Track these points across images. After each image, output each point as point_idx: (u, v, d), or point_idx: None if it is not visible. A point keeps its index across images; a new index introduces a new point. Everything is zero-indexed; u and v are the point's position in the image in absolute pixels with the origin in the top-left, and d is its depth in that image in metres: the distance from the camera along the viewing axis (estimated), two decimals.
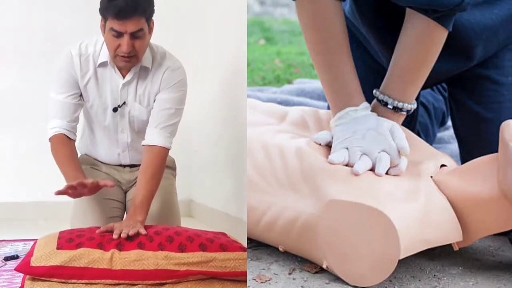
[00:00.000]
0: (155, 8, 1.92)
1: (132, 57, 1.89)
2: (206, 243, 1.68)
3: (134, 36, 1.86)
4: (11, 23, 2.84)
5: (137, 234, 1.71)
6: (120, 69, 1.96)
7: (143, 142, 1.96)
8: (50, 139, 1.96)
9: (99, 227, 1.80)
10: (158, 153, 1.94)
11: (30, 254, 1.66)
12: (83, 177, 1.85)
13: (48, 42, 2.78)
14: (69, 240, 1.68)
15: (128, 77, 1.96)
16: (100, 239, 1.68)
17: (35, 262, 1.61)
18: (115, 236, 1.69)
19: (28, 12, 2.84)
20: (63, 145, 1.95)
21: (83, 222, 1.93)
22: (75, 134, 1.98)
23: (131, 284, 1.62)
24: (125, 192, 2.10)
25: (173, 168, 2.15)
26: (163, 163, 1.95)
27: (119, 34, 1.85)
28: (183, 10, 2.85)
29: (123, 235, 1.69)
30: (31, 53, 2.84)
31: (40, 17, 2.84)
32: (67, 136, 1.95)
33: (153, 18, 1.93)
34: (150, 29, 1.92)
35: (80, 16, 2.75)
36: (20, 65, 2.85)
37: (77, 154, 1.97)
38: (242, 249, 1.68)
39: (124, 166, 2.10)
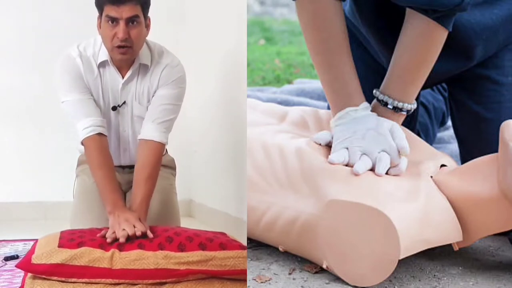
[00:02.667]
0: (155, 7, 1.93)
1: (128, 48, 1.89)
2: (206, 242, 1.68)
3: (129, 22, 1.87)
4: (10, 23, 2.84)
5: (140, 235, 1.72)
6: (118, 67, 1.96)
7: (139, 136, 1.96)
8: (84, 141, 1.92)
9: (99, 228, 1.80)
10: (154, 149, 1.93)
11: (31, 251, 1.66)
12: (122, 201, 1.86)
13: (47, 42, 2.78)
14: (70, 239, 1.69)
15: (127, 75, 1.96)
16: (101, 240, 1.69)
17: (36, 259, 1.61)
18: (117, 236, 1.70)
19: (27, 12, 2.84)
20: (100, 152, 1.91)
21: (83, 223, 1.93)
22: (106, 129, 1.96)
23: (131, 283, 1.62)
24: (125, 193, 2.10)
25: (173, 167, 2.15)
26: (159, 160, 1.95)
27: (115, 21, 1.86)
28: (183, 10, 2.85)
29: (121, 239, 1.69)
30: (31, 53, 2.83)
31: (39, 16, 2.84)
32: (102, 135, 1.92)
33: (150, 16, 1.93)
34: (147, 25, 1.93)
35: (80, 16, 2.75)
36: (20, 65, 2.84)
37: (112, 161, 1.94)
38: (241, 247, 1.68)
39: (124, 167, 2.09)
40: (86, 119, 1.92)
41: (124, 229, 1.73)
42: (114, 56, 1.93)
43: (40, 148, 2.86)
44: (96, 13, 1.92)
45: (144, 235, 1.73)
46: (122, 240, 1.69)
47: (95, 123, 1.92)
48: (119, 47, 1.88)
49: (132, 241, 1.70)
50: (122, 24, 1.87)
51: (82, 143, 1.93)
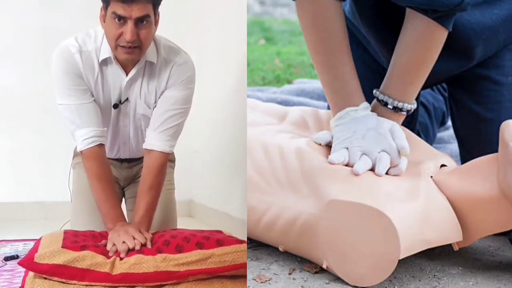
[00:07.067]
0: None
1: (135, 48, 1.75)
2: (203, 241, 1.67)
3: (139, 23, 1.72)
4: (10, 22, 2.85)
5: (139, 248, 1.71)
6: (122, 64, 1.84)
7: (143, 145, 1.89)
8: (83, 152, 1.84)
9: (100, 232, 1.81)
10: (157, 158, 1.87)
11: (34, 250, 1.66)
12: (122, 217, 1.83)
13: (48, 42, 2.77)
14: (74, 241, 1.70)
15: (132, 73, 1.85)
16: (104, 249, 1.69)
17: (38, 258, 1.61)
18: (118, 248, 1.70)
19: (28, 12, 2.84)
20: (100, 163, 1.84)
21: (83, 222, 1.92)
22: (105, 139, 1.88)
23: (132, 286, 1.61)
24: (123, 188, 2.08)
25: (172, 160, 2.08)
26: (161, 169, 1.88)
27: (123, 20, 1.71)
28: (183, 10, 2.85)
29: (122, 254, 1.67)
30: (31, 53, 2.83)
31: (40, 16, 2.84)
32: (102, 145, 1.85)
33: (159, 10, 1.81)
34: (156, 20, 1.78)
35: (80, 16, 2.75)
36: (20, 65, 2.85)
37: (112, 173, 1.90)
38: (239, 241, 1.66)
39: (122, 161, 2.05)
40: (87, 128, 1.83)
41: (124, 242, 1.70)
42: (119, 56, 1.79)
43: (40, 148, 2.86)
44: (97, 6, 1.77)
45: (143, 246, 1.72)
46: (123, 255, 1.67)
47: (96, 133, 1.83)
48: (124, 46, 1.74)
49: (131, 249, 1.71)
50: (130, 24, 1.70)
51: (80, 152, 1.86)
